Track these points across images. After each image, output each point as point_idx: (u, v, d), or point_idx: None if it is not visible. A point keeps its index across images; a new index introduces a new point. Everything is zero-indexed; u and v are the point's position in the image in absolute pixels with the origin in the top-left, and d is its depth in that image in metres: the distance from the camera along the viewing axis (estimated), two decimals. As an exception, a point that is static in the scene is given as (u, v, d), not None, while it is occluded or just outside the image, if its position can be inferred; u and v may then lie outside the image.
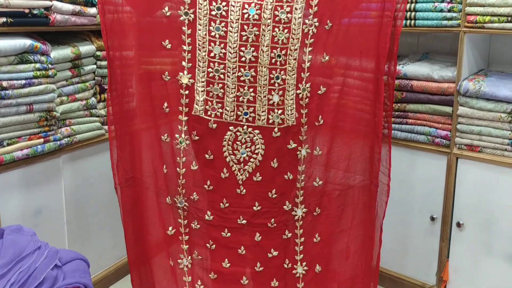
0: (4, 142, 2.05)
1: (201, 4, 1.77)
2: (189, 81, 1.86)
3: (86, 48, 2.33)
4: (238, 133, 1.89)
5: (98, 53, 2.40)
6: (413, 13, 2.37)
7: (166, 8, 1.80)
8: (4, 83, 1.98)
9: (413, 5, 2.35)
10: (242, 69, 1.82)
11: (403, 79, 2.44)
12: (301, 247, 2.02)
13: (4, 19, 1.97)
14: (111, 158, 1.98)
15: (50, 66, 2.13)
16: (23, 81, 2.04)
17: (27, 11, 2.04)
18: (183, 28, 1.81)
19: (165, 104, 1.91)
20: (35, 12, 2.06)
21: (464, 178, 2.34)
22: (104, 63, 2.42)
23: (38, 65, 2.09)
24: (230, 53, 1.80)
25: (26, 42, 2.03)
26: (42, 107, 2.14)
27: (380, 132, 1.88)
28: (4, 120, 2.02)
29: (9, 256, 1.78)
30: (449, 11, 2.27)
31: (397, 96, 2.46)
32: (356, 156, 1.95)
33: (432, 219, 2.46)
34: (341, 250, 2.05)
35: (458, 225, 2.38)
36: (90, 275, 1.99)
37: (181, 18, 1.80)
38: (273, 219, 1.97)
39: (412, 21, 2.38)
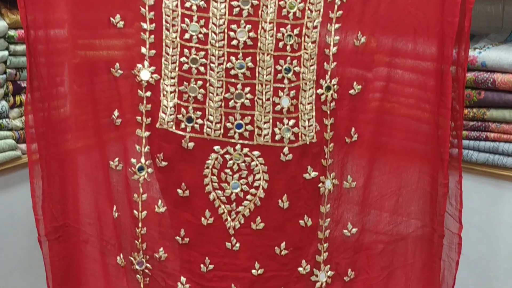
0: None
1: None
2: (151, 77, 1.66)
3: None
4: (227, 156, 1.70)
5: (11, 32, 2.12)
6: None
7: None
8: None
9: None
10: (232, 58, 1.63)
11: (480, 71, 2.11)
12: None
13: None
14: (33, 196, 1.76)
15: None
16: None
17: None
18: None
19: (115, 113, 1.70)
20: None
21: None
22: (20, 47, 2.16)
23: None
24: (215, 33, 1.62)
25: None
26: None
27: (447, 153, 1.66)
28: None
29: None
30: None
31: (472, 97, 2.14)
32: (410, 190, 1.76)
33: (526, 277, 2.17)
34: None
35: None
36: None
37: None
38: None
39: (492, -13, 2.10)
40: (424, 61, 1.65)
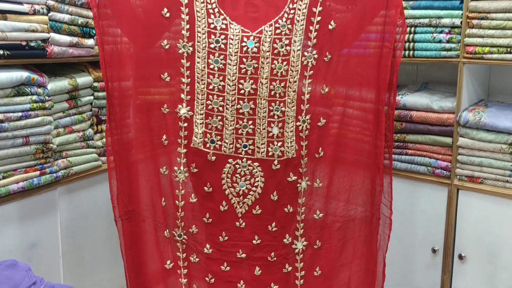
0: (0, 175, 2.03)
1: (200, 37, 1.79)
2: (187, 114, 1.86)
3: (83, 79, 2.33)
4: (237, 166, 1.89)
5: (95, 84, 2.40)
6: (412, 44, 2.38)
7: (165, 41, 1.81)
8: (1, 116, 1.98)
9: (412, 35, 2.37)
10: (241, 102, 1.82)
11: (402, 109, 2.44)
12: (302, 281, 2.00)
13: (1, 52, 1.97)
14: (111, 191, 1.96)
15: (47, 98, 2.13)
16: (20, 114, 2.04)
17: (24, 43, 2.04)
18: (182, 61, 1.82)
19: (164, 137, 1.91)
20: (32, 44, 2.07)
21: (466, 209, 2.33)
22: (101, 94, 2.43)
23: (35, 97, 2.08)
24: (229, 85, 1.81)
25: (23, 74, 2.03)
26: (38, 139, 2.13)
27: (382, 163, 1.87)
28: (0, 153, 2.00)
29: None
30: (447, 42, 2.29)
31: (397, 126, 2.46)
32: (357, 188, 1.95)
33: (434, 251, 2.43)
34: (342, 284, 2.03)
35: (460, 257, 2.36)
36: (86, 311, 1.99)
37: (180, 51, 1.81)
38: (273, 253, 1.96)
39: (411, 52, 2.39)
40: (367, 103, 1.86)
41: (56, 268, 2.33)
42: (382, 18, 1.79)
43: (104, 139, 2.47)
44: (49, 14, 2.13)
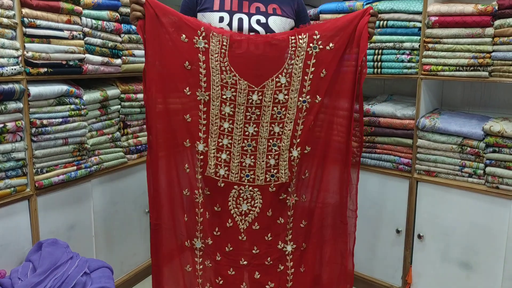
0: (44, 170, 2.05)
1: (215, 89, 1.79)
2: (204, 149, 1.86)
3: (112, 91, 2.34)
4: (241, 191, 1.89)
5: (122, 95, 2.41)
6: (379, 63, 2.41)
7: (187, 88, 1.80)
8: (45, 121, 2.00)
9: (379, 56, 2.40)
10: (245, 141, 1.84)
11: (372, 116, 2.46)
12: (291, 276, 2.00)
13: (45, 69, 1.99)
14: (150, 206, 1.94)
15: (82, 107, 2.15)
16: (60, 120, 2.06)
17: (64, 62, 2.06)
18: (200, 106, 1.82)
19: (186, 165, 1.90)
20: (70, 63, 2.09)
21: (423, 197, 2.36)
22: (127, 103, 2.44)
23: (72, 106, 2.11)
24: (237, 128, 1.82)
25: (63, 87, 2.05)
26: (75, 140, 2.15)
27: (350, 160, 1.87)
28: (44, 152, 2.03)
29: (46, 265, 1.81)
30: (408, 61, 2.32)
31: (367, 130, 2.48)
32: (329, 202, 1.96)
33: (398, 231, 2.46)
34: (317, 277, 2.04)
35: (419, 236, 2.38)
36: (114, 280, 2.01)
37: (198, 98, 1.81)
38: (269, 258, 1.96)
39: (379, 69, 2.42)
40: (343, 111, 1.86)
41: (90, 246, 2.35)
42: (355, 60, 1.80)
43: (129, 140, 2.51)
44: (85, 39, 2.15)
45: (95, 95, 2.25)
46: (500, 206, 2.11)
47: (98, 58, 2.22)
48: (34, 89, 1.94)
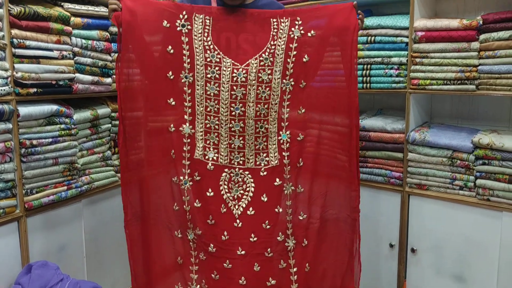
0: (33, 190, 2.03)
1: (199, 69, 1.79)
2: (190, 131, 1.85)
3: (102, 110, 2.34)
4: (231, 174, 1.87)
5: (113, 114, 2.41)
6: (368, 78, 2.43)
7: (170, 73, 1.81)
8: (34, 142, 1.99)
9: (368, 71, 2.42)
10: (232, 121, 1.83)
11: (362, 130, 2.47)
12: (295, 276, 1.93)
13: (35, 89, 1.99)
14: (123, 199, 1.88)
15: (72, 126, 2.14)
16: (50, 139, 2.05)
17: (54, 82, 2.06)
18: (184, 88, 1.82)
19: (172, 151, 1.87)
20: (60, 83, 2.09)
21: (415, 211, 2.35)
22: (117, 122, 2.37)
23: (62, 126, 2.10)
24: (223, 108, 1.81)
25: (53, 107, 2.04)
26: (65, 160, 2.14)
27: (355, 176, 1.88)
28: (34, 172, 2.01)
29: None
30: (397, 76, 2.34)
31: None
32: (332, 194, 1.94)
33: (391, 246, 2.45)
34: (326, 276, 2.00)
35: (413, 250, 2.37)
36: (105, 302, 1.97)
37: (183, 80, 1.81)
38: (269, 249, 1.89)
39: (368, 84, 2.43)
40: (339, 126, 1.88)
41: (81, 267, 2.31)
42: (349, 56, 1.82)
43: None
44: (75, 58, 2.15)
45: (86, 114, 2.24)
46: (492, 218, 2.11)
47: (88, 78, 2.22)
48: (23, 110, 1.93)
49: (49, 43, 2.02)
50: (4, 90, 1.87)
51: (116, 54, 2.33)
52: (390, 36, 2.33)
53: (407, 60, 2.29)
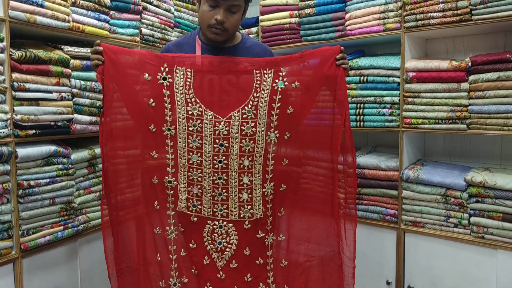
0: (30, 231, 2.03)
1: (181, 122, 1.78)
2: (173, 183, 1.83)
3: (100, 150, 2.33)
4: (214, 226, 1.84)
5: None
6: (361, 117, 2.47)
7: (152, 125, 1.79)
8: (32, 183, 2.00)
9: (361, 110, 2.46)
10: (215, 174, 1.80)
11: (357, 168, 2.48)
12: None
13: (34, 131, 2.01)
14: (105, 252, 1.83)
15: (70, 166, 2.16)
16: (48, 180, 2.06)
17: (52, 123, 2.09)
18: (166, 140, 1.80)
19: (156, 202, 1.85)
20: (59, 123, 2.11)
21: (411, 248, 2.36)
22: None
23: (60, 166, 2.11)
24: (206, 161, 1.79)
25: (51, 148, 2.06)
26: (62, 200, 2.14)
27: (337, 213, 1.82)
28: (30, 213, 2.01)
29: None
30: (389, 115, 2.38)
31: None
32: (315, 237, 1.90)
33: (388, 283, 2.44)
34: None
35: (409, 288, 2.36)
36: None
37: (165, 133, 1.79)
38: None
39: (362, 123, 2.47)
40: (323, 162, 1.85)
41: (76, 308, 2.28)
42: (329, 97, 1.80)
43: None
44: (73, 99, 2.18)
45: (83, 154, 2.26)
46: (487, 256, 2.12)
47: (87, 118, 2.24)
48: (22, 151, 1.95)
49: (48, 86, 2.06)
50: (3, 132, 1.89)
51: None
52: (382, 76, 2.39)
53: (399, 100, 2.34)
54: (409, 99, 2.29)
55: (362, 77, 2.44)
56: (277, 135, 1.81)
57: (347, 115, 1.80)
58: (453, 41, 2.52)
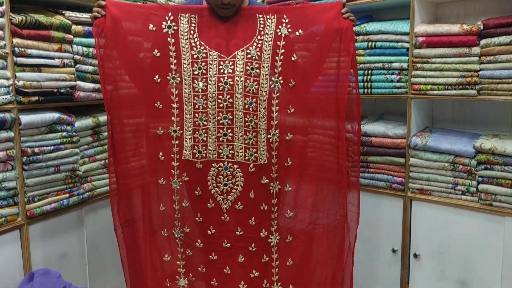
0: (35, 198, 2.04)
1: (185, 68, 1.79)
2: (178, 133, 1.84)
3: (104, 117, 2.30)
4: (220, 168, 1.85)
5: None
6: (369, 83, 2.43)
7: (157, 76, 1.81)
8: (36, 150, 1.99)
9: (369, 77, 2.42)
10: (220, 114, 1.81)
11: (364, 136, 2.47)
12: (277, 269, 1.96)
13: (36, 98, 1.99)
14: (112, 206, 1.89)
15: (74, 134, 2.15)
16: (52, 147, 2.05)
17: (55, 90, 2.06)
18: (172, 90, 1.81)
19: (160, 153, 1.88)
20: (62, 90, 2.09)
21: (418, 216, 2.35)
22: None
23: (64, 134, 2.10)
24: (210, 102, 1.80)
25: (54, 115, 2.05)
26: (67, 168, 2.14)
27: (344, 178, 1.84)
28: (35, 180, 2.01)
29: None
30: (398, 81, 2.34)
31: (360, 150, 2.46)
32: (322, 195, 1.92)
33: (394, 251, 2.44)
34: (310, 272, 1.98)
35: (415, 256, 2.37)
36: (107, 309, 1.96)
37: (170, 82, 1.81)
38: (253, 244, 1.91)
39: (369, 90, 2.44)
40: (328, 130, 1.86)
41: (83, 274, 2.31)
42: (337, 58, 1.80)
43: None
44: (76, 66, 2.16)
45: (87, 121, 2.24)
46: (495, 223, 2.11)
47: (90, 85, 2.22)
48: (25, 118, 1.94)
49: (50, 52, 2.03)
50: (5, 98, 1.87)
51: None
52: (390, 42, 2.34)
53: (408, 65, 2.29)
54: (418, 65, 2.25)
55: (370, 43, 2.40)
56: (282, 81, 1.81)
57: (352, 81, 1.79)
58: (464, 4, 2.46)
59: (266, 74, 1.79)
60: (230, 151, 1.83)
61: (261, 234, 1.91)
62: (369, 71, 2.41)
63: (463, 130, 2.54)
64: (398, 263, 2.44)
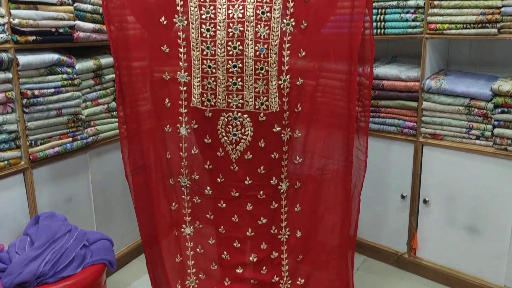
0: (38, 142, 2.01)
1: (193, 11, 1.72)
2: (186, 78, 1.80)
3: (106, 60, 2.27)
4: (229, 118, 1.82)
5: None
6: (382, 23, 2.32)
7: (163, 18, 1.75)
8: (36, 92, 1.95)
9: (382, 16, 2.31)
10: (230, 62, 1.75)
11: (375, 79, 2.38)
12: (285, 215, 1.96)
13: (34, 37, 1.92)
14: (122, 152, 1.89)
15: (75, 76, 2.09)
16: (52, 90, 2.00)
17: (53, 30, 1.99)
18: (179, 33, 1.75)
19: (167, 100, 1.84)
20: (60, 30, 2.02)
21: (429, 162, 2.31)
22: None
23: (65, 76, 2.04)
24: (219, 49, 1.74)
25: (53, 56, 1.98)
26: (69, 111, 2.10)
27: (353, 124, 1.80)
28: (37, 123, 1.98)
29: (44, 238, 1.79)
30: (413, 20, 2.23)
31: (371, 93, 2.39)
32: (331, 140, 1.88)
33: (403, 197, 2.42)
34: (319, 217, 1.97)
35: (425, 201, 2.35)
36: (114, 252, 1.99)
37: (176, 25, 1.75)
38: (262, 191, 1.91)
39: (382, 30, 2.33)
40: (339, 73, 1.79)
41: (90, 219, 2.33)
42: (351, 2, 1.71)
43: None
44: (74, 5, 2.07)
45: (88, 63, 2.18)
46: (509, 168, 2.06)
47: (90, 25, 2.14)
48: (23, 58, 1.88)
49: (46, -12, 1.94)
50: (1, 37, 1.81)
51: None
52: (407, -23, 2.21)
53: (424, 3, 2.17)
54: (436, 2, 2.13)
55: (384, -21, 2.26)
56: (293, 23, 1.73)
57: (367, 21, 1.69)
58: None
59: (277, 17, 1.72)
60: (240, 101, 1.80)
61: (271, 182, 1.91)
62: (383, 10, 2.30)
63: (480, 72, 2.44)
64: (407, 209, 2.42)
